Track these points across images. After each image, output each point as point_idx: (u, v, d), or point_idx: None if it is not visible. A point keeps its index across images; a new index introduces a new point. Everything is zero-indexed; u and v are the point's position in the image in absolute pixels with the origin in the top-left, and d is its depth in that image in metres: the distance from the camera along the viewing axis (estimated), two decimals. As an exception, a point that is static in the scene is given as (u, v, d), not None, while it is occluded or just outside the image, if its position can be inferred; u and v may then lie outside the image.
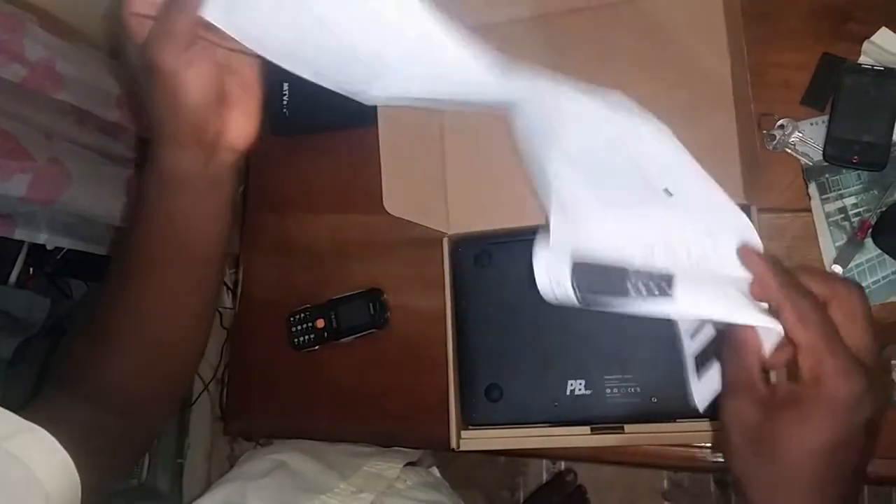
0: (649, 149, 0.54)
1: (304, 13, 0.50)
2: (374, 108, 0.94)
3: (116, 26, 0.58)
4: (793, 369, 0.49)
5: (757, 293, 0.51)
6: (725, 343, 0.52)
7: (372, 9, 0.48)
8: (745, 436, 0.49)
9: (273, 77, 1.07)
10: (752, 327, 0.50)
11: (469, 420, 0.88)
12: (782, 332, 0.49)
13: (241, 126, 0.60)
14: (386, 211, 0.88)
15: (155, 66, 0.52)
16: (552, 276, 0.57)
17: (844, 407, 0.46)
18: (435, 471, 1.05)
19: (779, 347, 0.50)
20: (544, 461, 1.92)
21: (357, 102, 1.00)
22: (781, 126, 0.87)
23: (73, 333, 0.68)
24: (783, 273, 0.50)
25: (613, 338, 0.84)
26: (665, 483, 1.87)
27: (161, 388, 0.71)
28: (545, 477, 1.91)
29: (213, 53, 0.55)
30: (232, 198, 0.65)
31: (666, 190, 0.56)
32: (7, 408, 0.53)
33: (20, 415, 0.53)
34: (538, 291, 0.81)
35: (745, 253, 0.52)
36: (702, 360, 0.57)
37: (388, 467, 0.92)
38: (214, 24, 0.51)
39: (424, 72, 0.53)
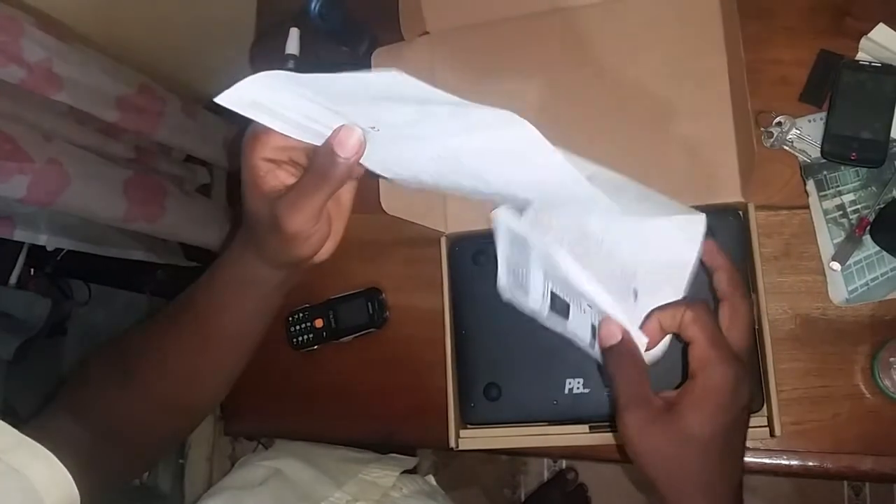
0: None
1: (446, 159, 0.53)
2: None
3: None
4: None
5: (665, 316, 0.58)
6: (612, 362, 0.57)
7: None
8: (650, 441, 0.55)
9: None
10: (635, 345, 0.57)
11: (468, 419, 0.88)
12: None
13: (327, 249, 0.60)
14: (383, 210, 0.88)
15: (281, 224, 0.54)
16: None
17: (726, 391, 0.54)
18: (431, 479, 1.05)
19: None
20: (545, 460, 1.92)
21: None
22: (779, 123, 0.87)
23: (94, 362, 0.69)
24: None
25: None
26: (666, 481, 1.87)
27: (164, 437, 0.72)
28: (546, 475, 1.91)
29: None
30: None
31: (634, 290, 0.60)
32: (9, 411, 0.53)
33: (22, 430, 0.53)
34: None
35: (708, 248, 0.60)
36: None
37: (383, 475, 0.92)
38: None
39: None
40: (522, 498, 1.92)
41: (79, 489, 0.54)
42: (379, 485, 0.89)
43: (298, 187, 0.53)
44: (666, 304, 0.58)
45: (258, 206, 0.55)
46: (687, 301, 0.58)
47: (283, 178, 0.55)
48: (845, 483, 1.77)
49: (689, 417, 0.54)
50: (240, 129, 0.55)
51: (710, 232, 0.82)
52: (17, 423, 0.55)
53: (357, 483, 0.89)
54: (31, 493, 0.51)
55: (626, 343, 0.57)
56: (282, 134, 0.53)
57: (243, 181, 0.56)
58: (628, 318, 0.57)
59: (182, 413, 0.71)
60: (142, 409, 0.67)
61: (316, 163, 0.52)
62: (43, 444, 0.53)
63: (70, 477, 0.53)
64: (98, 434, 0.63)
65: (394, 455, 1.01)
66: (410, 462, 0.98)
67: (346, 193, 0.59)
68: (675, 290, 0.59)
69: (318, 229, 0.56)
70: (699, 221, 0.59)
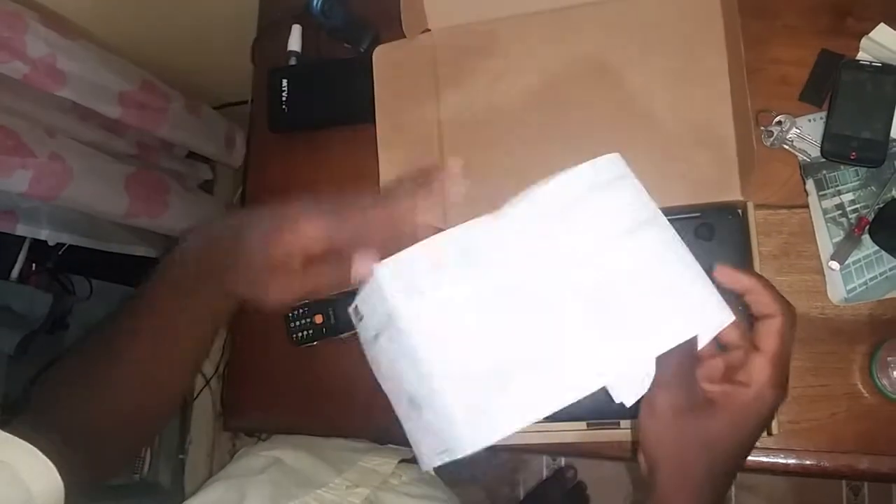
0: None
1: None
2: (372, 104, 0.94)
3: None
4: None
5: (759, 301, 0.56)
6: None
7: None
8: (678, 426, 0.54)
9: (272, 75, 1.08)
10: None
11: (467, 415, 0.88)
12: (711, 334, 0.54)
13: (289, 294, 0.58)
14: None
15: (261, 295, 0.55)
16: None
17: (769, 413, 0.54)
18: (430, 470, 1.05)
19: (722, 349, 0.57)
20: (544, 457, 1.92)
21: (355, 99, 1.01)
22: (779, 122, 0.87)
23: (58, 371, 0.69)
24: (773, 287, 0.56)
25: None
26: (665, 479, 1.87)
27: (121, 447, 0.71)
28: (545, 473, 1.92)
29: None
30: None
31: None
32: (10, 406, 0.54)
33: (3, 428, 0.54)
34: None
35: (724, 275, 0.56)
36: None
37: (383, 462, 0.93)
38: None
39: None
40: (521, 496, 1.92)
41: (65, 480, 0.54)
42: (378, 472, 0.89)
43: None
44: (765, 290, 0.56)
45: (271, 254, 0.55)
46: (781, 302, 0.56)
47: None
48: (844, 483, 1.78)
49: (723, 419, 0.54)
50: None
51: (710, 231, 0.83)
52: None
53: (357, 470, 0.89)
54: (17, 482, 0.52)
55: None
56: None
57: (278, 226, 0.55)
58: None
59: (143, 420, 0.70)
60: (104, 418, 0.66)
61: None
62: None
63: (53, 467, 0.53)
64: (72, 437, 0.64)
65: (391, 445, 1.02)
66: (409, 452, 0.98)
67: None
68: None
69: (280, 300, 0.56)
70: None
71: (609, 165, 0.53)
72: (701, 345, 0.54)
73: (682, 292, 0.53)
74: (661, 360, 0.54)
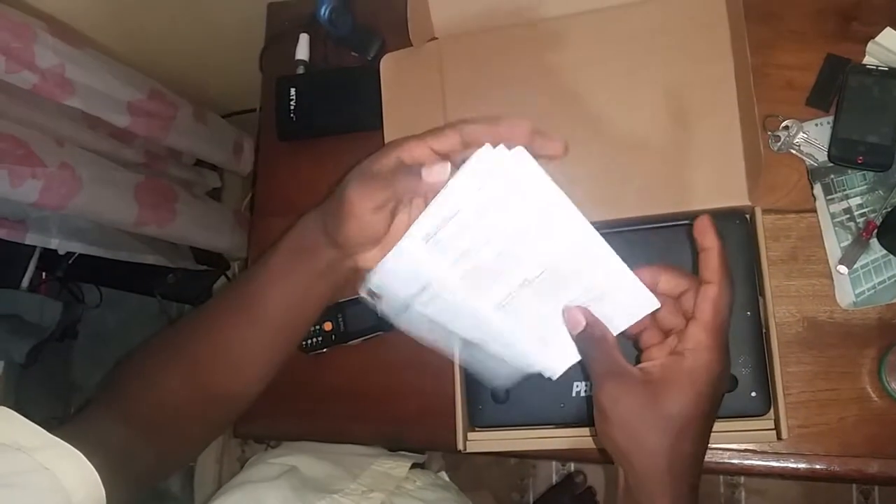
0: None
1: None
2: (380, 112, 0.95)
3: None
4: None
5: (670, 282, 0.58)
6: (582, 346, 0.58)
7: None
8: (625, 411, 0.55)
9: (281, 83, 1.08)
10: (600, 323, 0.58)
11: (475, 422, 0.88)
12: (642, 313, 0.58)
13: (373, 256, 0.63)
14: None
15: (346, 199, 0.59)
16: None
17: (711, 379, 0.54)
18: (444, 475, 1.05)
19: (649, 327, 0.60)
20: (554, 463, 1.92)
21: (363, 107, 1.02)
22: (786, 127, 0.87)
23: (139, 353, 0.70)
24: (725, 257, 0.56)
25: (618, 338, 0.84)
26: (675, 484, 1.86)
27: (204, 427, 0.72)
28: (555, 479, 1.91)
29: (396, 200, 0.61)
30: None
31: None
32: (23, 411, 0.54)
33: (57, 430, 0.54)
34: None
35: (701, 226, 0.57)
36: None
37: (395, 466, 0.93)
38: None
39: None
40: (531, 501, 1.91)
41: (107, 489, 0.54)
42: (392, 475, 0.89)
43: (373, 177, 0.59)
44: (668, 271, 0.58)
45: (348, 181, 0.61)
46: (692, 276, 0.58)
47: (388, 175, 0.60)
48: (854, 487, 1.77)
49: (669, 395, 0.54)
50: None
51: (718, 235, 0.83)
52: (57, 420, 0.56)
53: (371, 474, 0.89)
54: (60, 491, 0.52)
55: (593, 324, 0.58)
56: (422, 148, 0.59)
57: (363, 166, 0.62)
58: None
59: (224, 400, 0.70)
60: (185, 395, 0.67)
61: (401, 169, 0.58)
62: (75, 445, 0.53)
63: (97, 476, 0.53)
64: (134, 432, 0.64)
65: (402, 452, 1.02)
66: (420, 456, 0.98)
67: (402, 223, 0.62)
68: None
69: (372, 221, 0.59)
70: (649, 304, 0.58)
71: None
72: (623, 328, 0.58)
73: (608, 289, 0.57)
74: (591, 362, 0.57)
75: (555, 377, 0.62)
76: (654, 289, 0.57)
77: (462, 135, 0.58)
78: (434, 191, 0.55)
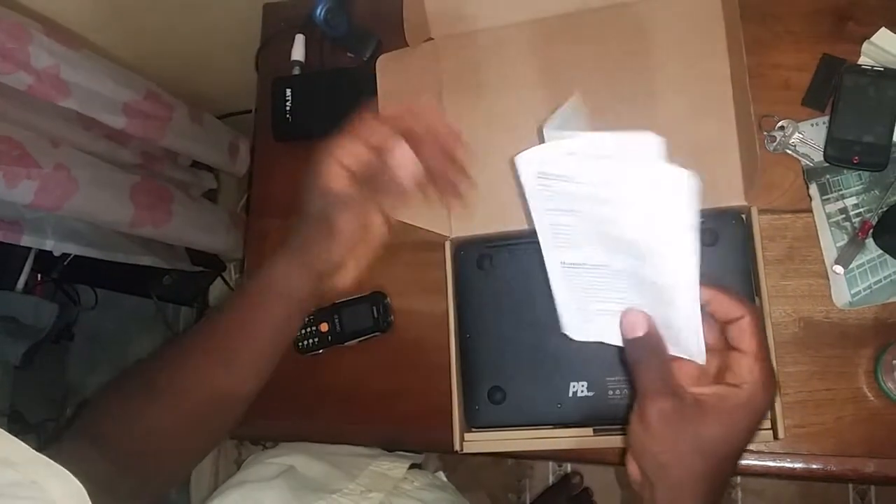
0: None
1: None
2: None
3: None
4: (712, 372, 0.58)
5: (722, 307, 0.57)
6: (635, 353, 0.58)
7: None
8: (670, 431, 0.55)
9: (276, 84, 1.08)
10: (659, 337, 0.57)
11: (472, 422, 0.88)
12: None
13: (350, 275, 0.67)
14: (388, 215, 0.89)
15: (333, 219, 0.61)
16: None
17: (762, 411, 0.55)
18: (441, 475, 1.05)
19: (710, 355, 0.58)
20: (550, 463, 1.92)
21: (359, 108, 1.01)
22: (782, 127, 0.87)
23: (117, 383, 0.70)
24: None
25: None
26: (671, 485, 1.87)
27: (179, 459, 0.72)
28: (551, 479, 1.91)
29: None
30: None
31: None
32: (16, 415, 0.54)
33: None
34: (539, 294, 0.82)
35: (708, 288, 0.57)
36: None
37: (393, 467, 0.93)
38: None
39: None
40: (528, 502, 1.91)
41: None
42: (390, 476, 0.89)
43: (355, 195, 0.61)
44: (724, 296, 0.57)
45: (315, 204, 0.62)
46: (745, 304, 0.57)
47: (347, 185, 0.61)
48: (850, 487, 1.77)
49: (717, 421, 0.54)
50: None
51: (714, 236, 0.83)
52: (32, 441, 0.55)
53: (369, 475, 0.89)
54: (48, 501, 0.51)
55: (653, 335, 0.57)
56: (355, 146, 0.61)
57: (312, 181, 0.62)
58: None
59: (203, 431, 0.71)
60: (165, 427, 0.66)
61: (378, 176, 0.60)
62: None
63: (84, 492, 0.53)
64: (113, 459, 0.63)
65: (399, 452, 1.02)
66: (418, 457, 0.98)
67: (377, 235, 0.65)
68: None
69: (356, 235, 0.62)
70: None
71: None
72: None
73: (673, 322, 0.57)
74: (642, 371, 0.56)
75: (570, 336, 0.66)
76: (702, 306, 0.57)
77: (393, 125, 0.61)
78: (401, 181, 0.58)
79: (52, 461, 0.53)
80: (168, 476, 0.72)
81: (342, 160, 0.62)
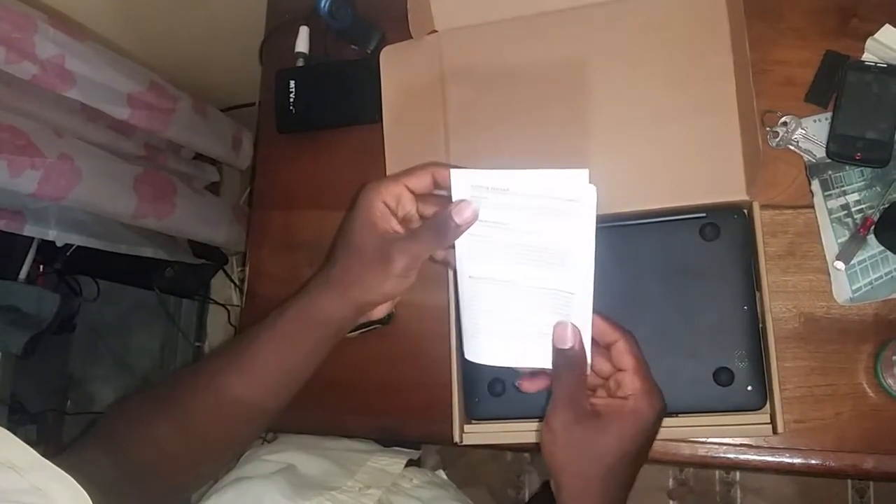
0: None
1: None
2: (379, 105, 0.95)
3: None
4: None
5: (600, 331, 0.64)
6: (559, 363, 0.63)
7: None
8: (571, 438, 0.62)
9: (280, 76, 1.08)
10: (584, 353, 0.62)
11: (472, 414, 0.89)
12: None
13: (385, 307, 0.72)
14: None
15: (391, 260, 0.63)
16: None
17: (650, 420, 0.61)
18: (441, 473, 1.05)
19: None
20: (550, 459, 1.92)
21: (362, 100, 1.02)
22: (785, 123, 0.87)
23: (137, 396, 0.72)
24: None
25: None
26: (670, 482, 1.87)
27: (188, 479, 0.73)
28: (550, 475, 1.92)
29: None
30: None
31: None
32: (17, 406, 0.54)
33: (49, 459, 0.54)
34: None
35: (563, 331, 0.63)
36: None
37: (391, 462, 0.93)
38: None
39: None
40: (526, 498, 1.92)
41: None
42: (388, 472, 0.89)
43: (414, 236, 0.64)
44: (602, 321, 0.64)
45: (369, 240, 0.65)
46: (620, 329, 0.64)
47: (393, 224, 0.65)
48: (850, 485, 1.77)
49: (611, 429, 0.61)
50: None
51: (716, 231, 0.83)
52: (33, 431, 0.55)
53: (366, 471, 0.89)
54: None
55: (577, 351, 0.61)
56: (401, 185, 0.65)
57: (357, 218, 0.65)
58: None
59: (214, 453, 0.72)
60: (176, 445, 0.68)
61: (434, 222, 0.63)
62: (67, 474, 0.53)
63: (89, 499, 0.53)
64: (124, 469, 0.64)
65: (397, 448, 1.02)
66: (415, 453, 0.99)
67: (412, 274, 0.66)
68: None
69: (411, 276, 0.65)
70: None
71: (573, 182, 0.58)
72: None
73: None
74: (559, 381, 0.62)
75: (470, 358, 0.69)
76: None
77: (434, 175, 0.65)
78: (461, 231, 0.62)
79: (56, 467, 0.53)
80: (174, 496, 0.73)
81: (387, 200, 0.65)
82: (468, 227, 0.62)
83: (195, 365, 0.71)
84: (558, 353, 0.62)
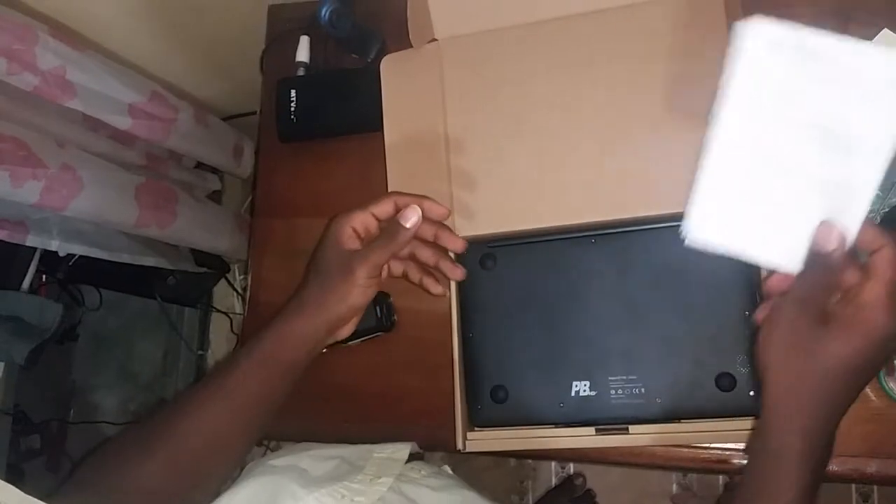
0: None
1: None
2: (380, 113, 0.95)
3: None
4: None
5: (866, 236, 0.58)
6: (816, 265, 0.59)
7: None
8: (792, 335, 0.59)
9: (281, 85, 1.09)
10: (842, 262, 0.58)
11: (475, 421, 0.89)
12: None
13: (348, 329, 0.80)
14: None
15: (353, 269, 0.72)
16: None
17: (883, 335, 0.56)
18: (447, 468, 1.05)
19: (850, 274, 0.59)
20: (553, 465, 1.92)
21: (363, 109, 1.02)
22: (784, 128, 0.87)
23: (116, 437, 0.72)
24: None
25: (618, 339, 0.85)
26: (674, 487, 1.87)
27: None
28: (554, 481, 1.91)
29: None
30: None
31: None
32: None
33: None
34: (542, 293, 0.83)
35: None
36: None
37: (397, 449, 0.93)
38: None
39: None
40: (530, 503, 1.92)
41: None
42: (395, 458, 0.89)
43: (370, 245, 0.73)
44: (869, 227, 0.59)
45: (335, 259, 0.73)
46: (887, 236, 0.58)
47: (358, 244, 0.74)
48: (853, 488, 1.77)
49: (840, 336, 0.57)
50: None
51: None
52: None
53: (374, 463, 0.89)
54: None
55: (837, 258, 0.58)
56: (367, 213, 0.74)
57: (326, 242, 0.75)
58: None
59: (209, 475, 0.72)
60: (171, 477, 0.68)
61: (386, 229, 0.73)
62: None
63: None
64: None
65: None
66: (416, 446, 0.98)
67: (374, 283, 0.75)
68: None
69: (372, 284, 0.74)
70: None
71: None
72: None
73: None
74: (805, 276, 0.60)
75: (691, 231, 0.62)
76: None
77: (396, 202, 0.75)
78: (410, 235, 0.73)
79: (40, 502, 0.53)
80: None
81: (354, 225, 0.74)
82: (415, 231, 0.73)
83: (176, 400, 0.73)
84: (813, 256, 0.59)
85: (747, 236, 0.61)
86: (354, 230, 0.74)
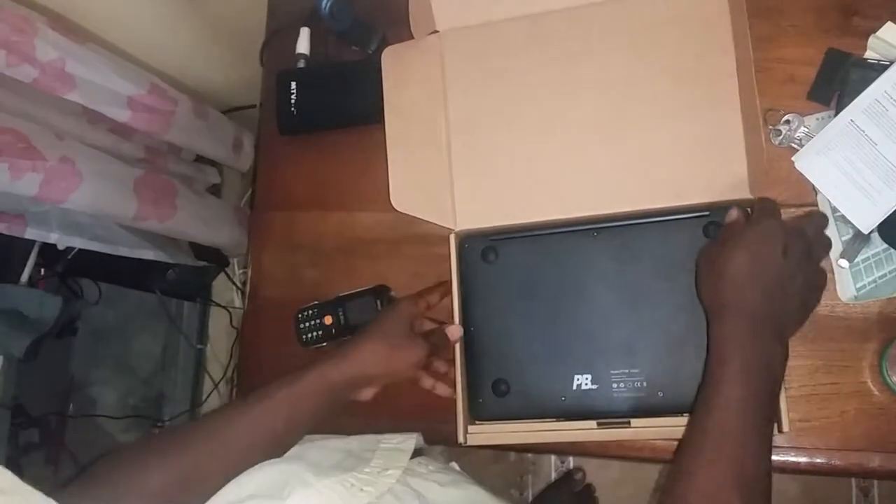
0: None
1: None
2: (381, 106, 0.95)
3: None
4: None
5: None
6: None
7: None
8: (701, 262, 0.80)
9: (281, 77, 1.08)
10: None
11: (476, 415, 0.88)
12: None
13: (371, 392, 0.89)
14: (393, 208, 0.89)
15: (411, 346, 0.85)
16: None
17: (759, 234, 0.73)
18: (455, 465, 1.05)
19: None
20: (553, 459, 1.92)
21: (364, 101, 1.02)
22: (787, 121, 0.87)
23: (130, 446, 0.73)
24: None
25: (620, 332, 0.85)
26: (674, 481, 1.86)
27: None
28: (554, 475, 1.91)
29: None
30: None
31: None
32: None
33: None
34: (544, 286, 0.83)
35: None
36: None
37: (403, 439, 0.92)
38: None
39: None
40: (530, 498, 1.91)
41: None
42: (402, 449, 0.89)
43: (427, 342, 0.86)
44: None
45: (399, 330, 0.85)
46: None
47: (418, 323, 0.91)
48: (854, 484, 1.77)
49: (721, 250, 0.74)
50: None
51: (720, 229, 0.83)
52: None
53: (381, 455, 0.89)
54: None
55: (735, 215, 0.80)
56: (425, 300, 0.91)
57: (395, 314, 0.87)
58: None
59: (206, 498, 0.72)
60: (177, 492, 0.67)
61: (438, 337, 0.88)
62: None
63: None
64: None
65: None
66: (421, 437, 0.98)
67: (412, 371, 0.89)
68: None
69: (410, 371, 0.88)
70: None
71: None
72: None
73: None
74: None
75: (800, 166, 0.86)
76: None
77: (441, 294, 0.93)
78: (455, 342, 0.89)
79: (36, 491, 0.53)
80: None
81: (419, 305, 0.89)
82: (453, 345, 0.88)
83: (204, 418, 0.77)
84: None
85: (837, 184, 0.83)
86: (416, 314, 0.89)
